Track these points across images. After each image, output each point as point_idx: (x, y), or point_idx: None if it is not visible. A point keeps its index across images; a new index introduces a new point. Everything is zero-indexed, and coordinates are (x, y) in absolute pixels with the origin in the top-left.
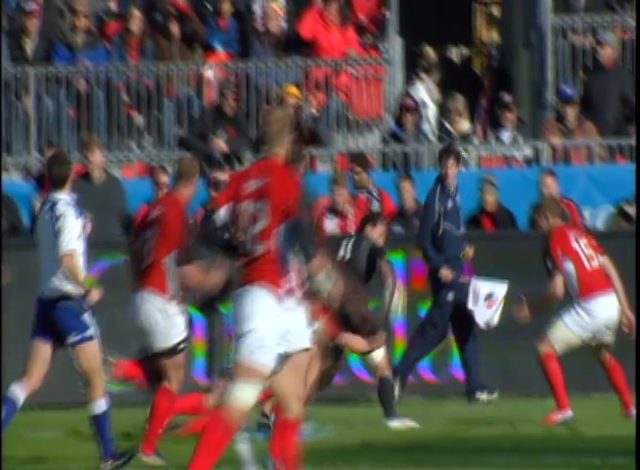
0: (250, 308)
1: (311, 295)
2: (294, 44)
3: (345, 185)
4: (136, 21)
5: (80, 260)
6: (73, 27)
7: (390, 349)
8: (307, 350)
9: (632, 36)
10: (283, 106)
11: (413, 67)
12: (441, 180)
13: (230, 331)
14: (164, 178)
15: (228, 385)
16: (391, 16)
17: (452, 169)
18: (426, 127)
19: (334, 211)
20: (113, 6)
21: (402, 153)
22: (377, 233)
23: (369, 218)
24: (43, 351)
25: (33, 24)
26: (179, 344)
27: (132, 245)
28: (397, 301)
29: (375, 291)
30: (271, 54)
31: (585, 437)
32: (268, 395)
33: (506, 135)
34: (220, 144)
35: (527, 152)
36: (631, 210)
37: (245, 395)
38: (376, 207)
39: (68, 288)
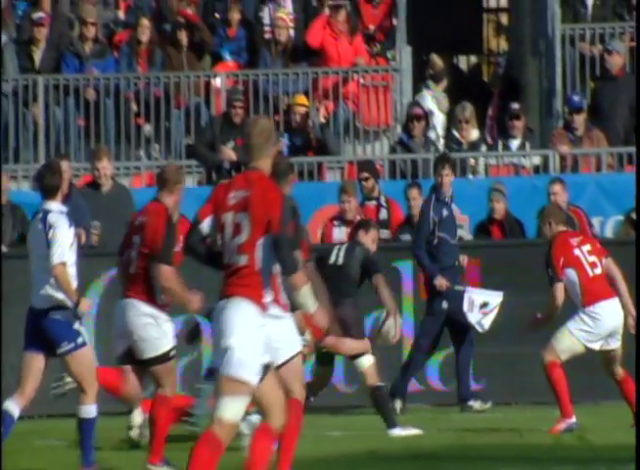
0: (232, 321)
1: (296, 306)
2: (302, 53)
3: (354, 194)
4: (145, 30)
5: (72, 271)
6: (82, 37)
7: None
8: (298, 354)
9: None
10: (266, 117)
11: (422, 75)
12: (436, 189)
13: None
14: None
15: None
16: (400, 24)
17: (447, 178)
18: (432, 136)
19: (342, 219)
20: (121, 15)
21: (411, 161)
22: (370, 239)
23: (362, 224)
24: (36, 362)
25: (42, 34)
26: (170, 351)
27: (121, 251)
28: (393, 326)
29: (368, 295)
30: (280, 63)
31: (593, 445)
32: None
33: (515, 144)
34: (229, 153)
35: (536, 160)
36: None
37: (232, 410)
38: (384, 215)
39: (59, 298)
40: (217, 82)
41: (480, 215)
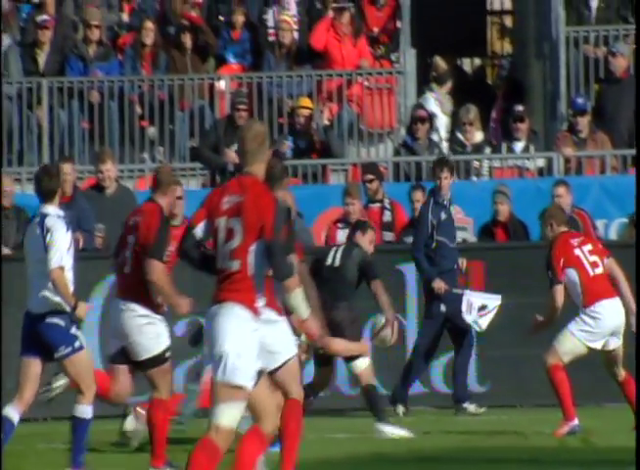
0: (224, 328)
1: (289, 310)
2: (306, 56)
3: (358, 196)
4: (149, 33)
5: (69, 275)
6: (86, 40)
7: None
8: (295, 356)
9: None
10: (260, 122)
11: (426, 78)
12: (435, 192)
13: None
14: (178, 192)
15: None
16: (404, 27)
17: (446, 181)
18: (435, 138)
19: (347, 222)
20: (125, 18)
21: (415, 164)
22: (367, 240)
23: (359, 226)
24: (33, 367)
25: (46, 37)
26: (165, 352)
27: (116, 252)
28: (390, 333)
29: (366, 299)
30: (284, 65)
31: (597, 448)
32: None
33: (519, 146)
34: (233, 156)
35: (540, 163)
36: None
37: (229, 416)
38: (388, 218)
39: (57, 302)
40: (221, 85)
41: (485, 218)
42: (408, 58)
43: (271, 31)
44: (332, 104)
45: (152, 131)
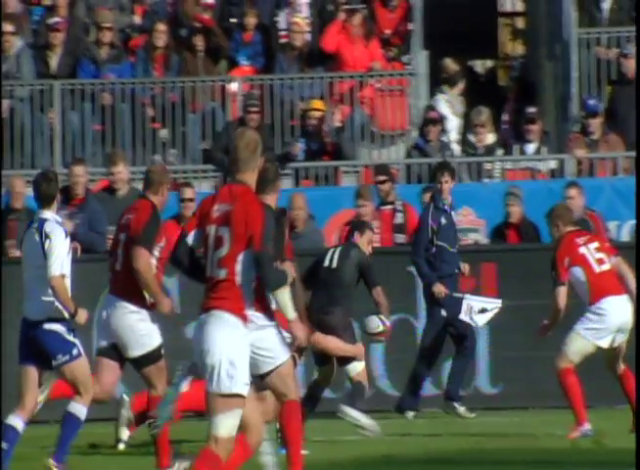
0: (214, 336)
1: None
2: (318, 57)
3: (370, 198)
4: (161, 35)
5: (67, 282)
6: (98, 42)
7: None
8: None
9: None
10: (252, 130)
11: (437, 79)
12: (435, 196)
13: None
14: (190, 194)
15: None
16: (416, 28)
17: (447, 185)
18: (445, 140)
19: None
20: (137, 20)
21: (427, 165)
22: (365, 240)
23: (357, 226)
24: (33, 375)
25: (58, 39)
26: (158, 348)
27: (111, 251)
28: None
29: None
30: (295, 67)
31: (609, 449)
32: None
33: (531, 148)
34: None
35: (552, 164)
36: None
37: (226, 426)
38: (400, 219)
39: (55, 309)
40: (233, 87)
41: (497, 219)
42: (420, 59)
43: (283, 33)
44: (343, 106)
45: (163, 133)
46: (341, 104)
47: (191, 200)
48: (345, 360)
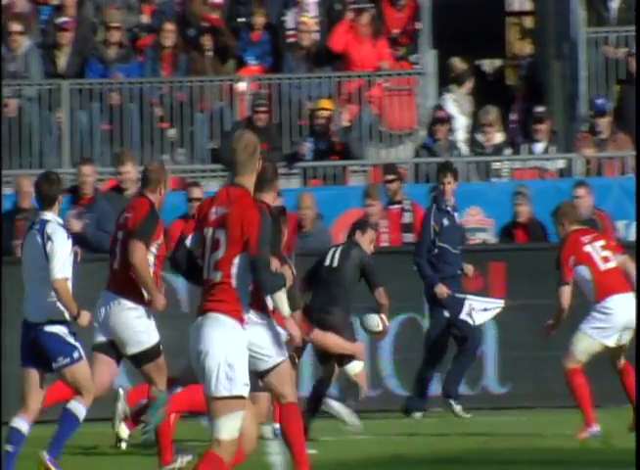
0: (211, 338)
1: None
2: (326, 57)
3: (378, 198)
4: (169, 34)
5: (69, 284)
6: (106, 41)
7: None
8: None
9: None
10: (251, 133)
11: (445, 79)
12: (437, 198)
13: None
14: (198, 194)
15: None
16: (424, 28)
17: (449, 186)
18: (453, 139)
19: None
20: (146, 20)
21: (435, 165)
22: (367, 239)
23: (358, 225)
24: (35, 377)
25: (66, 39)
26: (157, 345)
27: (111, 249)
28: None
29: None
30: (303, 67)
31: (617, 449)
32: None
33: (539, 147)
34: None
35: (561, 164)
36: None
37: (229, 429)
38: (408, 219)
39: (56, 311)
40: (241, 86)
41: (505, 219)
42: (428, 59)
43: (291, 33)
44: (352, 105)
45: (172, 133)
46: (349, 103)
47: (199, 199)
48: (345, 360)
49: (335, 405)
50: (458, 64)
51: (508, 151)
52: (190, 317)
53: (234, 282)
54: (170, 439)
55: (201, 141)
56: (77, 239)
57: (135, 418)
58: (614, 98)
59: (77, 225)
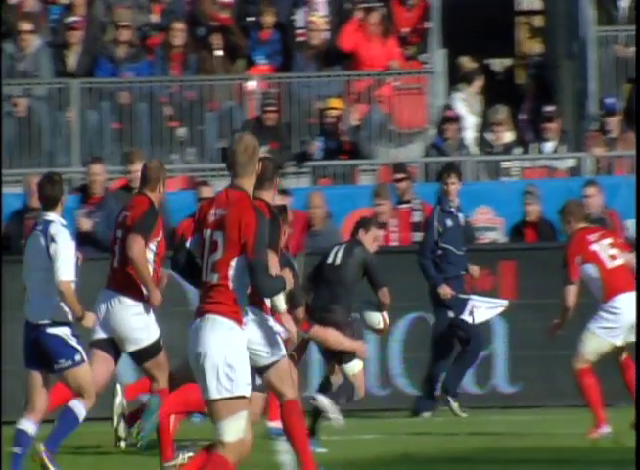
0: (209, 341)
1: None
2: (335, 56)
3: (388, 197)
4: (179, 33)
5: (72, 286)
6: (116, 41)
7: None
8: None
9: None
10: (251, 135)
11: (455, 78)
12: (441, 199)
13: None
14: (207, 193)
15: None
16: (434, 27)
17: (453, 187)
18: (462, 139)
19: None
20: (155, 19)
21: (445, 164)
22: (370, 238)
23: (362, 223)
24: (39, 378)
25: (76, 38)
26: (157, 342)
27: (110, 246)
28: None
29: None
30: (313, 66)
31: (628, 448)
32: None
33: (549, 146)
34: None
35: (570, 163)
36: None
37: (233, 430)
38: (418, 218)
39: (59, 312)
40: (251, 86)
41: (515, 218)
42: (437, 58)
43: (300, 32)
44: (361, 104)
45: (181, 132)
46: (358, 102)
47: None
48: (344, 359)
49: (323, 400)
50: (467, 63)
51: (518, 150)
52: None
53: (231, 284)
54: (171, 435)
55: (210, 140)
56: (87, 238)
57: (132, 418)
58: (623, 97)
59: (87, 224)
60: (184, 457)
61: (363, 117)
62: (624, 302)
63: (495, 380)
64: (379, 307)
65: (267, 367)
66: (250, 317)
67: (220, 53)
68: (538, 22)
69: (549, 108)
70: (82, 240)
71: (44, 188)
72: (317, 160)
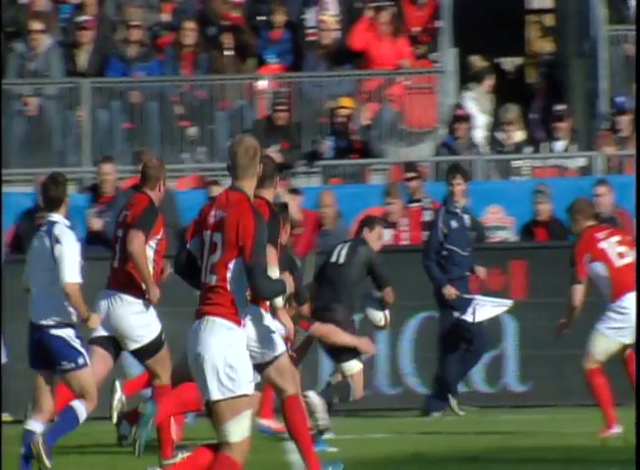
0: (209, 342)
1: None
2: (346, 55)
3: (398, 196)
4: (189, 33)
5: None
6: (127, 40)
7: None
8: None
9: None
10: (252, 137)
11: (465, 77)
12: (447, 200)
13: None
14: (218, 192)
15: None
16: (444, 26)
17: (459, 187)
18: (472, 137)
19: (386, 222)
20: (166, 18)
21: (456, 163)
22: (374, 236)
23: (366, 221)
24: (44, 379)
25: (87, 37)
26: (158, 339)
27: (111, 245)
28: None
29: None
30: (324, 65)
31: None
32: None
33: (559, 145)
34: (273, 155)
35: (581, 162)
36: None
37: (238, 431)
38: (428, 217)
39: (63, 314)
40: (262, 85)
41: (526, 217)
42: (448, 57)
43: (311, 31)
44: (372, 103)
45: (192, 131)
46: (369, 102)
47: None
48: (344, 357)
49: (314, 399)
50: (477, 62)
51: (528, 149)
52: None
53: (229, 286)
54: (171, 434)
55: (221, 140)
56: (98, 237)
57: (133, 416)
58: (634, 96)
59: (98, 224)
60: (183, 457)
61: (374, 116)
62: (632, 301)
63: (506, 379)
64: (382, 305)
65: (267, 364)
66: (249, 315)
67: (231, 52)
68: (549, 20)
69: (560, 107)
70: (93, 239)
71: (48, 189)
72: (328, 159)
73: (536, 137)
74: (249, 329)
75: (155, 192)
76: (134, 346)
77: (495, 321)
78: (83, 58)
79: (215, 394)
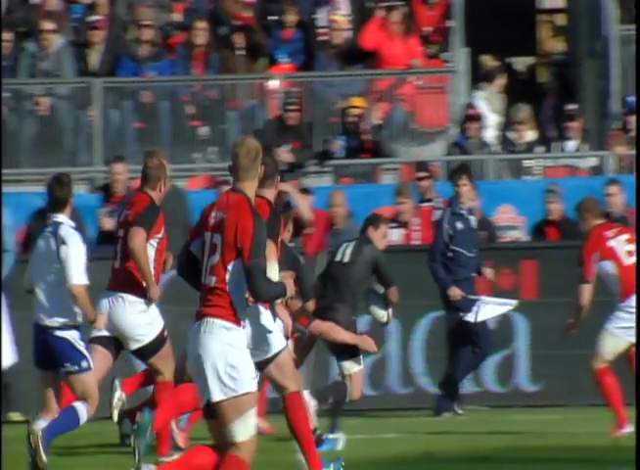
0: (209, 343)
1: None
2: (357, 55)
3: (410, 195)
4: (201, 32)
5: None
6: (138, 40)
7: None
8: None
9: None
10: (254, 138)
11: (477, 77)
12: (452, 201)
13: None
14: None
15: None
16: (456, 26)
17: (464, 188)
18: (484, 137)
19: (398, 221)
20: (177, 18)
21: (467, 163)
22: (379, 235)
23: (372, 220)
24: (51, 379)
25: (98, 37)
26: (159, 336)
27: (114, 243)
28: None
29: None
30: (335, 65)
31: None
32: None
33: (571, 145)
34: (285, 156)
35: (592, 161)
36: None
37: (245, 430)
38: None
39: (68, 315)
40: (273, 85)
41: (537, 217)
42: (460, 57)
43: (323, 31)
44: (383, 103)
45: (203, 131)
46: (380, 101)
47: None
48: (343, 356)
49: (306, 398)
50: (489, 61)
51: (540, 149)
52: None
53: (228, 287)
54: (169, 433)
55: (232, 139)
56: (109, 237)
57: (133, 415)
58: None
59: (109, 223)
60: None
61: (385, 115)
62: None
63: (517, 379)
64: (385, 303)
65: (268, 361)
66: (248, 312)
67: (242, 52)
68: (561, 20)
69: (571, 106)
70: (104, 239)
71: (53, 189)
72: (339, 158)
73: (548, 137)
74: (249, 328)
75: (156, 192)
76: (136, 345)
77: (506, 321)
78: (95, 58)
79: (217, 394)
